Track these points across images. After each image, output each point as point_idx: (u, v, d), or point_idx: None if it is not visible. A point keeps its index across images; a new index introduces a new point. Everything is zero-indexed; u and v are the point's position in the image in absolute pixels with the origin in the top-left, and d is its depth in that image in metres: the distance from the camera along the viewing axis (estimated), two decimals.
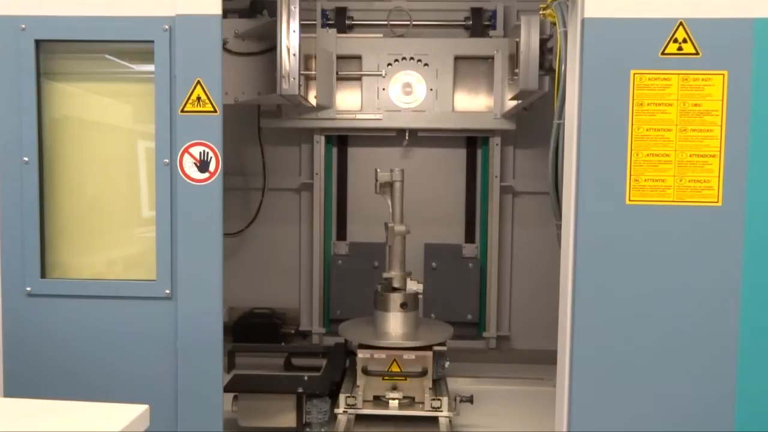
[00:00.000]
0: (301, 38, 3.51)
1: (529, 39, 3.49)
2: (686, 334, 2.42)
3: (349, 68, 4.09)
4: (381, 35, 4.20)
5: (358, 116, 4.10)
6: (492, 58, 4.12)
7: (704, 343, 2.41)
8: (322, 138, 4.44)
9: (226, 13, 4.25)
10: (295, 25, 3.47)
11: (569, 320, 2.49)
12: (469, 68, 4.18)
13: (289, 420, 3.25)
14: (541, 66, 3.48)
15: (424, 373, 3.28)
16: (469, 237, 4.58)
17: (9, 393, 2.55)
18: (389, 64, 4.11)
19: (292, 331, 4.63)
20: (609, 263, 2.42)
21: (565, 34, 2.75)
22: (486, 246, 4.55)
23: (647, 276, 2.42)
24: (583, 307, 2.45)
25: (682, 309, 2.42)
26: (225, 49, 3.71)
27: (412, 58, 4.12)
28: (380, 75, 4.04)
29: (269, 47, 3.73)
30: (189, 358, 2.53)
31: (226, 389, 2.96)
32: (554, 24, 2.95)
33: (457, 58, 4.14)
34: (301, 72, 3.57)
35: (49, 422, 1.63)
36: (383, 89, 3.98)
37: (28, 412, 1.71)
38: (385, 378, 3.31)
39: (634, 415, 2.45)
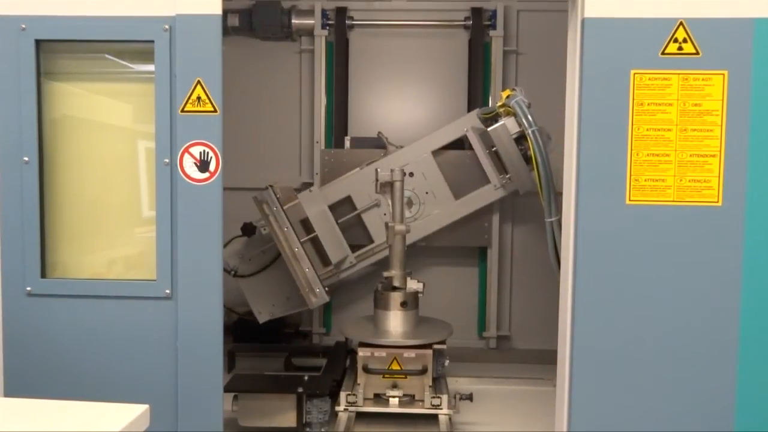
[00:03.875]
0: (288, 214, 3.58)
1: (506, 147, 3.65)
2: (686, 334, 2.42)
3: (345, 211, 4.05)
4: (358, 169, 4.10)
5: (376, 249, 4.07)
6: (464, 138, 4.06)
7: (704, 343, 2.42)
8: None
9: (227, 13, 4.27)
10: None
11: (569, 320, 2.49)
12: (450, 156, 4.14)
13: (289, 420, 3.25)
14: (527, 161, 3.62)
15: (424, 371, 3.30)
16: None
17: (9, 393, 2.55)
18: (377, 191, 3.99)
19: (292, 331, 4.63)
20: (609, 263, 2.42)
21: (533, 133, 2.87)
22: (486, 246, 4.55)
23: (647, 276, 2.42)
24: (583, 307, 2.45)
25: (682, 309, 2.42)
26: (238, 276, 3.94)
27: None
28: (376, 205, 4.03)
29: (277, 254, 3.84)
30: (189, 358, 2.53)
31: (226, 389, 2.96)
32: (516, 115, 3.12)
33: (434, 152, 4.07)
34: (303, 241, 3.60)
35: (49, 422, 1.63)
36: (384, 214, 3.96)
37: (28, 412, 1.71)
38: (386, 376, 3.33)
39: (634, 415, 2.45)
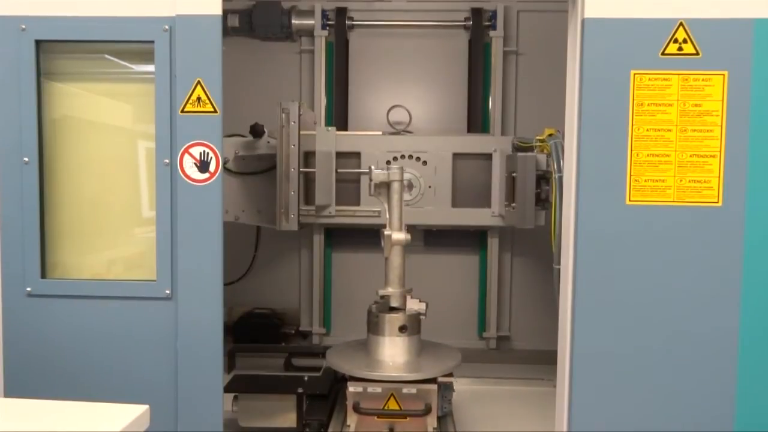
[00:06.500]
0: (300, 137, 3.60)
1: (527, 176, 3.42)
2: (686, 334, 2.42)
3: (348, 164, 4.10)
4: (380, 133, 4.20)
5: (358, 212, 4.10)
6: (490, 155, 4.09)
7: (704, 343, 2.42)
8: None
9: (227, 13, 4.27)
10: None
11: (569, 320, 2.49)
12: (467, 163, 4.17)
13: (289, 420, 3.24)
14: (537, 200, 3.50)
15: (427, 411, 2.77)
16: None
17: (9, 393, 2.55)
18: (388, 162, 4.09)
19: (292, 332, 4.63)
20: (609, 263, 2.42)
21: (560, 179, 2.83)
22: (486, 246, 4.55)
23: (647, 276, 2.42)
24: (583, 308, 2.45)
25: (681, 309, 2.42)
26: (226, 169, 3.81)
27: (410, 156, 4.11)
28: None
29: (270, 166, 3.82)
30: (189, 358, 2.53)
31: (227, 389, 2.96)
32: (549, 155, 3.09)
33: (455, 155, 4.13)
34: (301, 170, 3.64)
35: (49, 422, 1.63)
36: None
37: (28, 412, 1.72)
38: (381, 416, 2.81)
39: (634, 416, 2.45)
